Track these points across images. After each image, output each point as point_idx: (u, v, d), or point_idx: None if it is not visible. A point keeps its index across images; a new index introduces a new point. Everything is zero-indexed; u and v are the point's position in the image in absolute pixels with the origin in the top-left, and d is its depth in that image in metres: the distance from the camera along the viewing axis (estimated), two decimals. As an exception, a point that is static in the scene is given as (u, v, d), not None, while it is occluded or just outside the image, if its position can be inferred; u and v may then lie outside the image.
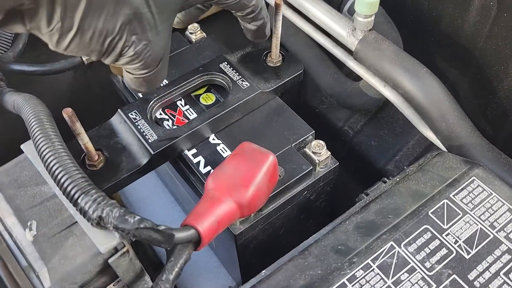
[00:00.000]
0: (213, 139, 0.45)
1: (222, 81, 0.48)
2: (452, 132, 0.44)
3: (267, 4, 0.61)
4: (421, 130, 0.47)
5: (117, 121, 0.44)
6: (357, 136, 0.63)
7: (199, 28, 0.55)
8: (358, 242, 0.36)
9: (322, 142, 0.44)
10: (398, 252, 0.35)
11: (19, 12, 0.28)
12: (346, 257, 0.35)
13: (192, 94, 0.48)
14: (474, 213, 0.37)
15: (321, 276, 0.34)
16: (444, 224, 0.36)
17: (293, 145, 0.44)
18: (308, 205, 0.46)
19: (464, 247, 0.35)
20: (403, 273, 0.34)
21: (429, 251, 0.35)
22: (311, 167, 0.43)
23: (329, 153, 0.44)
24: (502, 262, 0.34)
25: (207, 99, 0.48)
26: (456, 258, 0.35)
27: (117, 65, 0.34)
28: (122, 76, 0.42)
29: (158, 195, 0.61)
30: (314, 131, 0.45)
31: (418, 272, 0.34)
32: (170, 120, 0.46)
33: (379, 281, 0.34)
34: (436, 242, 0.35)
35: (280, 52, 0.49)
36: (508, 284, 0.33)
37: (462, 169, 0.40)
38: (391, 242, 0.36)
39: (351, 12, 0.55)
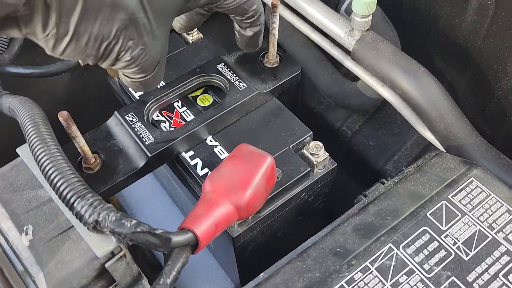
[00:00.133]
0: (210, 141, 0.45)
1: (219, 82, 0.48)
2: (450, 132, 0.44)
3: (264, 5, 0.61)
4: (420, 130, 0.47)
5: (114, 123, 0.44)
6: (355, 136, 0.63)
7: (196, 29, 0.54)
8: (357, 244, 0.36)
9: (320, 143, 0.43)
10: (397, 254, 0.35)
11: (15, 18, 0.28)
12: (345, 260, 0.35)
13: (189, 96, 0.48)
14: (472, 214, 0.37)
15: (320, 279, 0.34)
16: (442, 226, 0.36)
17: (291, 146, 0.44)
18: (306, 206, 0.46)
19: (463, 249, 0.35)
20: (401, 275, 0.34)
21: (428, 253, 0.35)
22: (309, 169, 0.42)
23: (327, 154, 0.43)
24: (501, 264, 0.34)
25: (204, 100, 0.48)
26: (455, 260, 0.34)
27: (114, 69, 0.34)
28: (119, 78, 0.42)
29: (156, 197, 0.61)
30: (312, 132, 0.45)
31: (417, 274, 0.34)
32: (167, 122, 0.46)
33: (377, 283, 0.34)
34: (434, 244, 0.35)
35: (277, 52, 0.49)
36: (507, 286, 0.33)
37: (460, 169, 0.40)
38: (390, 244, 0.35)
39: (349, 12, 0.54)
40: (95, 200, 0.33)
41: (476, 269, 0.34)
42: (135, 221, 0.32)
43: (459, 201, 0.37)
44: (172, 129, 0.45)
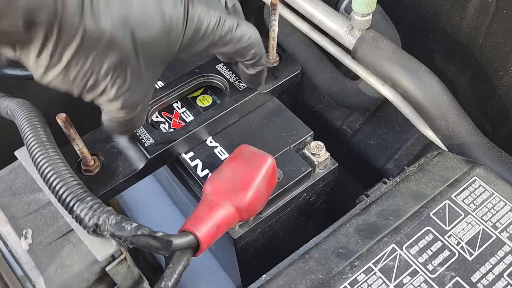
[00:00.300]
0: (211, 141, 0.45)
1: (219, 83, 0.47)
2: (452, 131, 0.43)
3: (263, 4, 0.60)
4: (421, 129, 0.47)
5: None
6: (356, 135, 0.63)
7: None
8: (359, 245, 0.35)
9: (321, 143, 0.43)
10: (400, 254, 0.35)
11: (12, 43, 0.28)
12: (347, 261, 0.35)
13: (189, 96, 0.48)
14: (476, 214, 0.36)
15: (322, 281, 0.34)
16: (446, 226, 0.36)
17: (291, 146, 0.43)
18: (307, 207, 0.46)
19: (467, 249, 0.35)
20: (405, 276, 0.34)
21: (431, 253, 0.35)
22: (310, 169, 0.42)
23: (328, 154, 0.43)
24: (505, 263, 0.34)
25: (204, 101, 0.48)
26: (459, 260, 0.34)
27: (96, 103, 0.33)
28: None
29: (156, 199, 0.61)
30: (312, 132, 0.45)
31: (421, 274, 0.34)
32: (166, 123, 0.46)
33: (381, 284, 0.33)
34: (438, 244, 0.35)
35: (277, 52, 0.49)
36: (511, 286, 0.33)
37: (463, 169, 0.39)
38: (393, 245, 0.35)
39: (348, 10, 0.54)
40: (94, 203, 0.32)
41: (480, 269, 0.34)
42: (136, 224, 0.32)
43: (462, 201, 0.37)
44: (172, 130, 0.45)
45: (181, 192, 0.51)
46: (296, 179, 0.41)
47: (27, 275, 0.33)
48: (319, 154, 0.43)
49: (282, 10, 0.55)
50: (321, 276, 0.34)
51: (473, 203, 0.37)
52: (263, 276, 0.35)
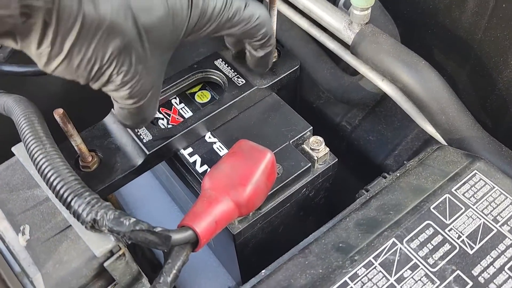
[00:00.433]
0: (209, 137, 0.44)
1: (217, 78, 0.47)
2: (452, 126, 0.43)
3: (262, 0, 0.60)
4: (420, 124, 0.47)
5: (111, 121, 0.43)
6: (355, 131, 0.62)
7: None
8: (359, 240, 0.35)
9: (321, 138, 0.43)
10: (400, 248, 0.34)
11: (12, 32, 0.28)
12: (348, 255, 0.34)
13: (187, 92, 0.48)
14: (476, 207, 0.36)
15: (322, 275, 0.34)
16: (446, 219, 0.36)
17: (291, 141, 0.43)
18: (307, 202, 0.45)
19: (468, 242, 0.34)
20: (406, 270, 0.33)
21: (432, 247, 0.34)
22: (310, 164, 0.42)
23: (327, 149, 0.43)
24: (506, 257, 0.34)
25: (202, 97, 0.47)
26: (460, 254, 0.34)
27: (104, 91, 0.33)
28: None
29: (155, 195, 0.60)
30: (312, 127, 0.44)
31: (421, 268, 0.33)
32: (165, 119, 0.45)
33: (381, 278, 0.33)
34: (438, 238, 0.35)
35: (276, 47, 0.48)
36: (513, 279, 0.33)
37: (463, 162, 0.39)
38: (393, 239, 0.35)
39: (347, 5, 0.54)
40: (92, 199, 0.32)
41: (481, 263, 0.33)
42: (134, 219, 0.31)
43: (463, 194, 0.37)
44: (170, 126, 0.44)
45: (180, 188, 0.51)
46: (295, 174, 0.41)
47: (24, 271, 0.32)
48: (318, 149, 0.42)
49: (280, 5, 0.55)
50: (321, 271, 0.34)
51: (474, 197, 0.37)
52: (263, 271, 0.35)
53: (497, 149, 0.42)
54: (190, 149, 0.44)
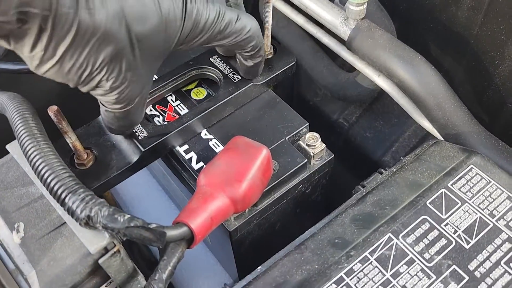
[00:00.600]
0: (205, 134, 0.44)
1: (213, 75, 0.47)
2: (448, 121, 0.43)
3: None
4: (417, 120, 0.46)
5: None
6: (352, 128, 0.62)
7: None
8: (355, 235, 0.35)
9: (317, 135, 0.43)
10: (396, 244, 0.34)
11: (6, 35, 0.28)
12: (343, 251, 0.34)
13: (183, 89, 0.47)
14: (473, 202, 0.36)
15: (318, 271, 0.33)
16: (442, 214, 0.36)
17: (287, 138, 0.43)
18: (303, 199, 0.45)
19: (464, 237, 0.34)
20: (402, 265, 0.33)
21: (428, 242, 0.34)
22: (306, 160, 0.42)
23: (324, 145, 0.43)
24: (502, 251, 0.33)
25: (198, 93, 0.47)
26: (456, 248, 0.34)
27: (92, 94, 0.33)
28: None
29: (152, 193, 0.60)
30: (308, 123, 0.44)
31: (417, 263, 0.33)
32: (160, 116, 0.45)
33: (377, 274, 0.33)
34: (435, 233, 0.35)
35: (271, 44, 0.48)
36: (509, 273, 0.32)
37: (459, 157, 0.39)
38: (389, 234, 0.35)
39: (343, 1, 0.54)
40: (86, 195, 0.32)
41: (477, 257, 0.33)
42: (128, 216, 0.31)
43: (459, 189, 0.37)
44: (166, 123, 0.44)
45: (176, 186, 0.50)
46: (291, 171, 0.41)
47: (19, 268, 0.32)
48: (314, 146, 0.42)
49: (276, 2, 0.55)
50: (316, 266, 0.34)
51: (470, 192, 0.37)
52: (259, 267, 0.35)
53: (494, 144, 0.41)
54: (186, 146, 0.43)
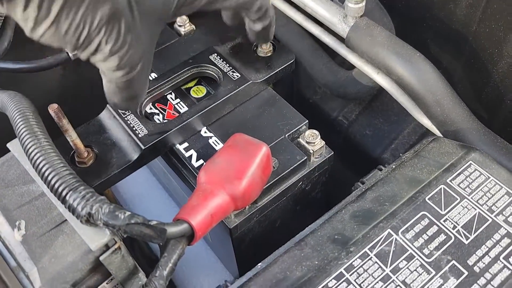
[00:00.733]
0: (205, 132, 0.44)
1: (213, 73, 0.47)
2: (447, 117, 0.43)
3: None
4: (416, 117, 0.47)
5: (106, 116, 0.43)
6: (352, 125, 0.62)
7: (188, 21, 0.54)
8: (355, 231, 0.35)
9: (316, 132, 0.43)
10: (396, 239, 0.34)
11: None
12: (343, 247, 0.34)
13: (183, 87, 0.48)
14: (472, 198, 0.36)
15: (318, 267, 0.34)
16: (441, 210, 0.36)
17: (286, 135, 0.43)
18: (303, 196, 0.45)
19: (463, 232, 0.34)
20: (401, 261, 0.33)
21: (427, 237, 0.34)
22: (305, 157, 0.42)
23: (323, 142, 0.43)
24: (501, 246, 0.34)
25: (198, 91, 0.47)
26: (455, 244, 0.34)
27: (92, 61, 0.32)
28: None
29: (152, 191, 0.60)
30: (307, 121, 0.44)
31: (417, 259, 0.33)
32: (160, 114, 0.45)
33: (377, 269, 0.33)
34: (434, 228, 0.35)
35: (270, 42, 0.48)
36: (508, 268, 0.33)
37: (458, 153, 0.39)
38: (389, 230, 0.35)
39: (342, -1, 0.54)
40: (87, 193, 0.32)
41: (476, 253, 0.33)
42: (129, 213, 0.31)
43: (458, 185, 0.37)
44: (166, 121, 0.44)
45: (176, 184, 0.51)
46: (291, 168, 0.41)
47: (20, 266, 0.32)
48: (314, 143, 0.42)
49: (275, 0, 0.55)
50: (316, 263, 0.34)
51: (469, 187, 0.37)
52: (259, 264, 0.35)
53: (493, 140, 0.42)
54: (186, 144, 0.44)
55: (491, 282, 0.32)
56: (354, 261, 0.34)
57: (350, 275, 0.33)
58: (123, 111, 0.43)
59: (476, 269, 0.33)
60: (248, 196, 0.36)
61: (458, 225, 0.35)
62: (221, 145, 0.43)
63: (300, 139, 0.43)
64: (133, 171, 0.42)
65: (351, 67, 0.54)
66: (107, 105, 0.44)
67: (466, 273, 0.33)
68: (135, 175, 0.43)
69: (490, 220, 0.35)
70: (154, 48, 0.35)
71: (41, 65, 0.48)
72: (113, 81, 0.34)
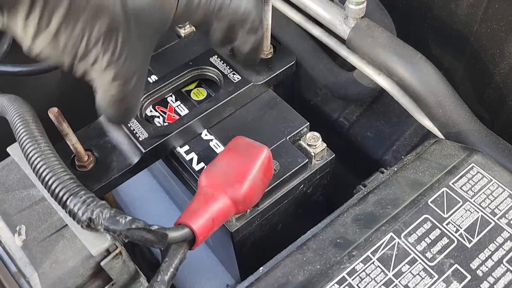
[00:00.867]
0: (206, 135, 0.44)
1: (213, 75, 0.47)
2: (449, 119, 0.43)
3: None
4: (418, 118, 0.46)
5: (106, 120, 0.43)
6: (353, 127, 0.62)
7: (188, 23, 0.53)
8: (357, 235, 0.35)
9: (317, 134, 0.43)
10: (398, 243, 0.34)
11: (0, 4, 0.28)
12: (345, 251, 0.34)
13: (183, 90, 0.47)
14: (474, 201, 0.36)
15: (320, 271, 0.33)
16: (444, 213, 0.36)
17: (287, 138, 0.43)
18: (305, 199, 0.45)
19: (466, 236, 0.34)
20: (404, 265, 0.33)
21: (430, 241, 0.34)
22: (307, 160, 0.42)
23: (324, 145, 0.43)
24: (504, 250, 0.33)
25: (198, 94, 0.47)
26: (458, 247, 0.34)
27: (87, 78, 0.32)
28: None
29: (153, 195, 0.60)
30: (308, 123, 0.44)
31: (419, 263, 0.33)
32: (161, 117, 0.45)
33: (379, 273, 0.33)
34: (436, 232, 0.35)
35: (271, 43, 0.48)
36: (511, 272, 0.32)
37: (460, 156, 0.39)
38: (391, 234, 0.35)
39: (343, 0, 0.54)
40: (88, 198, 0.32)
41: (479, 256, 0.33)
42: (130, 218, 0.31)
43: (460, 188, 0.37)
44: (166, 124, 0.44)
45: (177, 187, 0.50)
46: (292, 171, 0.41)
47: (21, 271, 0.32)
48: (315, 145, 0.42)
49: (275, 1, 0.55)
50: (319, 267, 0.34)
51: (471, 190, 0.37)
52: (261, 268, 0.35)
53: (495, 142, 0.41)
54: (186, 147, 0.43)
55: (495, 286, 0.32)
56: (356, 265, 0.33)
57: (352, 280, 0.33)
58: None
59: (479, 272, 0.32)
60: (249, 200, 0.36)
61: (461, 228, 0.35)
62: (222, 148, 0.43)
63: (301, 142, 0.43)
64: (133, 174, 0.42)
65: (352, 68, 0.54)
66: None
67: (469, 277, 0.32)
68: (136, 178, 0.43)
69: (493, 223, 0.35)
70: (148, 61, 0.36)
71: (41, 68, 0.48)
72: (108, 93, 0.34)
